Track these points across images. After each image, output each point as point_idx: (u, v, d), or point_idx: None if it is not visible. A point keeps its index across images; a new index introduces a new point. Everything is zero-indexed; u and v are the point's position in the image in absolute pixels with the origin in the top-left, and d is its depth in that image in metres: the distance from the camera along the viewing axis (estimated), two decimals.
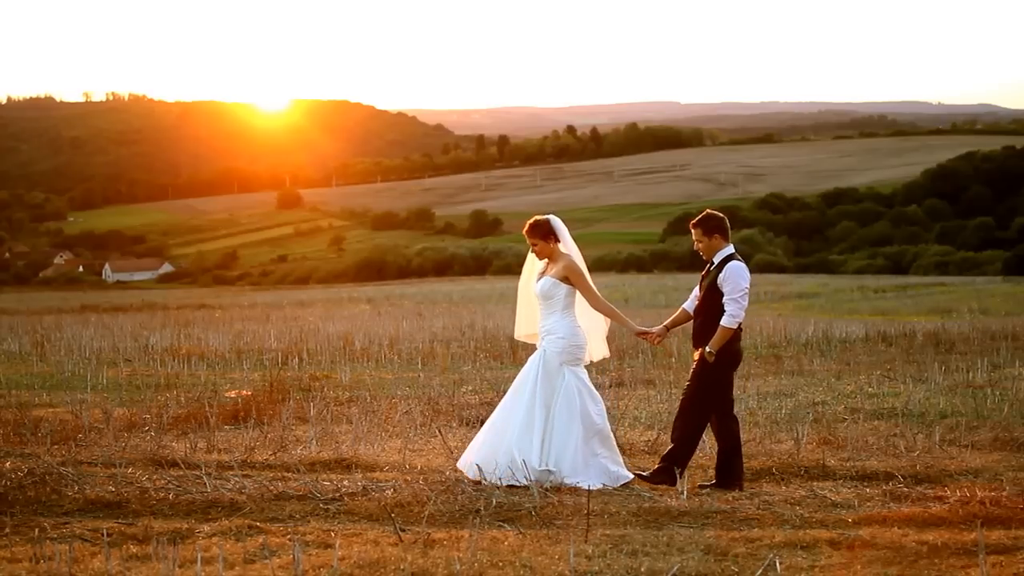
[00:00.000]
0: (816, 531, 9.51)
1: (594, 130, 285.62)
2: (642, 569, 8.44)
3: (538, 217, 12.07)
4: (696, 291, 11.93)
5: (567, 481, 11.33)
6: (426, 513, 10.01)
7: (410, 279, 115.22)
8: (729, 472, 11.47)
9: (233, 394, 18.50)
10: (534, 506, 10.34)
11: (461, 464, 11.86)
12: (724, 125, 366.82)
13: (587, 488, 11.13)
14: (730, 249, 11.62)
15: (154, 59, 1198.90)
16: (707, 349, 11.39)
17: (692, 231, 11.81)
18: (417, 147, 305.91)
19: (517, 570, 8.47)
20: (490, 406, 16.81)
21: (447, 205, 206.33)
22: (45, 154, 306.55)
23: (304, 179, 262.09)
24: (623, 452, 13.16)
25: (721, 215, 11.74)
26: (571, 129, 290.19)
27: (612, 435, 11.85)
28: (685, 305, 12.08)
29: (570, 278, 11.74)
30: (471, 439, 13.73)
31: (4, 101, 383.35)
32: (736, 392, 18.60)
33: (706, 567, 8.52)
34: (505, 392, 12.02)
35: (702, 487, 11.44)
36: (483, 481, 11.40)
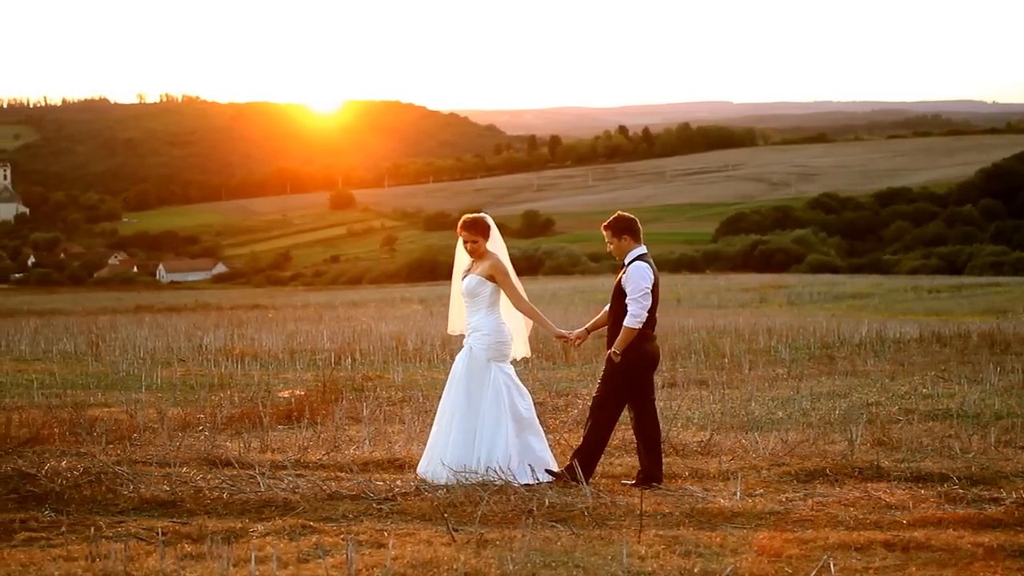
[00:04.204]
0: (870, 532, 9.46)
1: (646, 130, 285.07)
2: (695, 570, 8.42)
3: (476, 214, 12.10)
4: None
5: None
6: (479, 513, 10.01)
7: None
8: (648, 469, 11.56)
9: (286, 394, 18.58)
10: (587, 506, 10.33)
11: (420, 471, 11.96)
12: (777, 124, 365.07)
13: (515, 484, 11.27)
14: (641, 250, 11.62)
15: (207, 60, 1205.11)
16: (613, 351, 11.41)
17: (603, 233, 11.81)
18: (469, 147, 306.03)
19: (570, 570, 8.47)
20: (541, 407, 16.84)
21: (499, 205, 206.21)
22: (100, 156, 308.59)
23: (356, 180, 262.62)
24: (676, 453, 13.16)
25: (631, 217, 11.74)
26: (623, 129, 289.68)
27: (541, 428, 12.04)
28: (607, 307, 11.99)
29: (495, 276, 11.82)
30: None
31: (59, 103, 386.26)
32: (789, 392, 18.63)
33: (759, 568, 8.49)
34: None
35: (623, 484, 11.55)
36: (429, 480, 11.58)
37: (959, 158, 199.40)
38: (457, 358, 11.96)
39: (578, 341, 12.00)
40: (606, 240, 11.78)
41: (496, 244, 12.02)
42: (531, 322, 12.28)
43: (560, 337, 12.08)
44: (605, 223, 11.77)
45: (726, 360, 24.12)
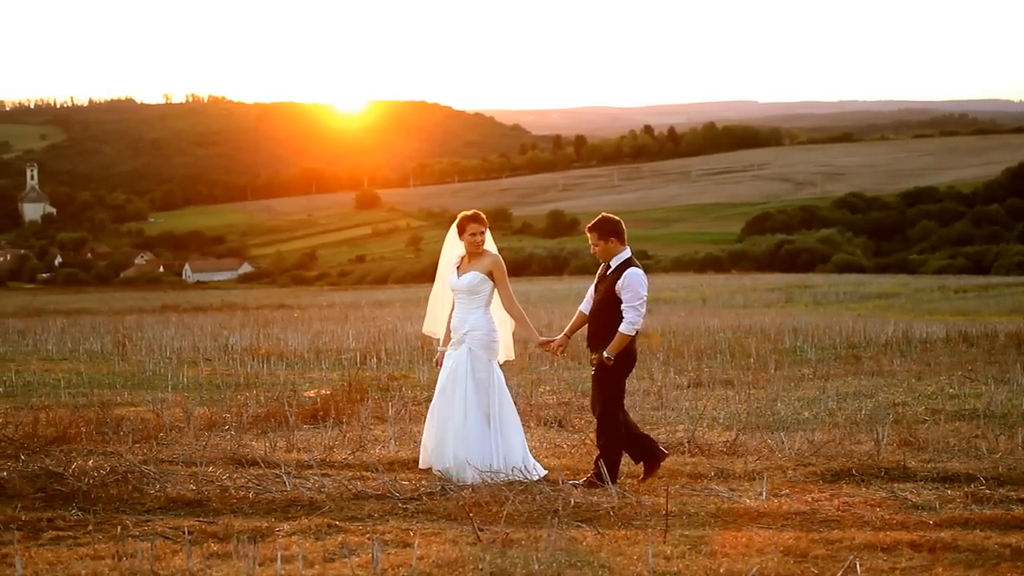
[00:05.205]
0: (897, 533, 9.43)
1: (671, 130, 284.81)
2: (721, 570, 8.41)
3: (478, 211, 12.12)
4: (591, 292, 11.93)
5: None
6: (504, 513, 10.01)
7: None
8: (645, 454, 11.70)
9: (312, 394, 18.60)
10: (612, 506, 10.32)
11: (424, 463, 12.10)
12: (802, 124, 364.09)
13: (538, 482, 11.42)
14: (627, 253, 11.66)
15: (233, 61, 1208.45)
16: (605, 354, 11.41)
17: (588, 235, 11.81)
18: (494, 147, 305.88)
19: (595, 570, 8.46)
20: (568, 406, 16.85)
21: (524, 205, 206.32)
22: (126, 156, 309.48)
23: (382, 180, 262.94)
24: (702, 453, 13.15)
25: (616, 219, 11.76)
26: (648, 129, 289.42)
27: None
28: (582, 308, 12.03)
29: (495, 274, 11.86)
30: (549, 439, 13.76)
31: (86, 104, 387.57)
32: (815, 392, 18.60)
33: (785, 568, 8.48)
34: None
35: (575, 484, 11.44)
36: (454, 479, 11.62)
37: (986, 157, 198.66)
38: (456, 357, 11.90)
39: (561, 348, 12.00)
40: (591, 242, 11.78)
41: (490, 243, 12.05)
42: (513, 325, 12.31)
43: (543, 345, 12.08)
44: (590, 225, 11.78)
45: (752, 360, 24.08)
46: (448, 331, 12.14)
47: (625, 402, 11.79)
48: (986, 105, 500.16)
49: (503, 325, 12.14)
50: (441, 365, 12.11)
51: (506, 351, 12.29)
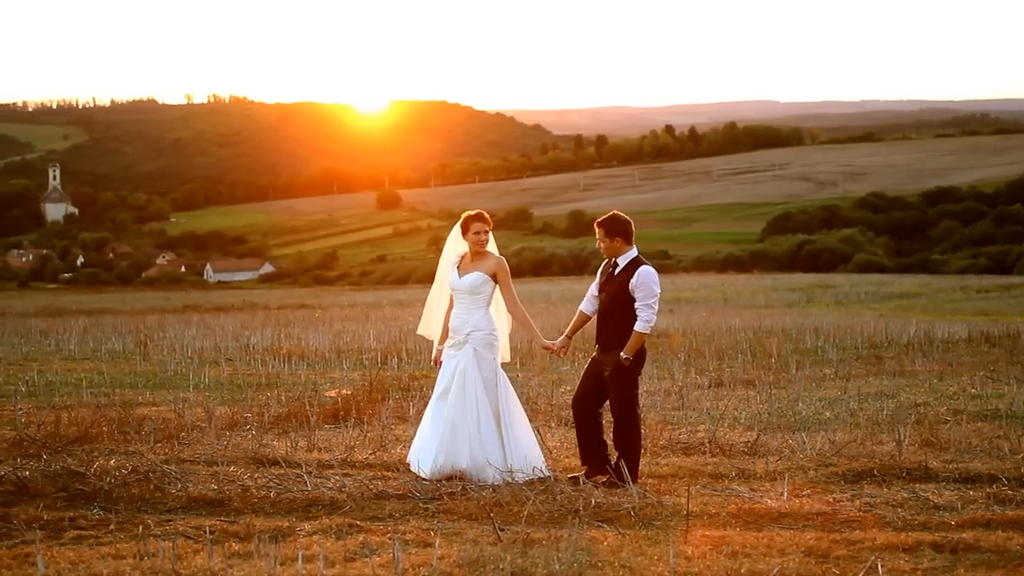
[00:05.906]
0: (918, 534, 9.41)
1: (692, 129, 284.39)
2: (742, 571, 8.40)
3: (481, 210, 12.14)
4: (593, 291, 11.99)
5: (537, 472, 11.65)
6: (525, 513, 10.02)
7: None
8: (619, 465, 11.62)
9: (333, 393, 18.61)
10: (633, 506, 10.32)
11: (411, 460, 12.14)
12: (824, 124, 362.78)
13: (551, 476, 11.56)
14: (635, 252, 11.69)
15: (254, 61, 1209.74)
16: (623, 355, 11.42)
17: (596, 230, 11.84)
18: (515, 147, 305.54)
19: (616, 570, 8.46)
20: None
21: (545, 205, 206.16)
22: (148, 156, 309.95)
23: (403, 180, 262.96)
24: (723, 453, 13.13)
25: (626, 219, 11.78)
26: (669, 128, 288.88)
27: None
28: (582, 307, 12.07)
29: (499, 276, 11.88)
30: (570, 439, 13.76)
31: (108, 104, 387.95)
32: (837, 392, 18.57)
33: (807, 569, 8.47)
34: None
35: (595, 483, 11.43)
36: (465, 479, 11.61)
37: (1008, 157, 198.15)
38: (463, 359, 11.90)
39: (564, 351, 12.02)
40: (597, 238, 11.81)
41: (492, 244, 12.06)
42: (509, 327, 12.32)
43: (546, 348, 12.12)
44: (599, 220, 11.83)
45: (773, 360, 24.04)
46: (445, 330, 12.15)
47: (645, 402, 11.78)
48: (1008, 104, 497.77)
49: (502, 324, 12.14)
50: (439, 364, 12.14)
51: (503, 352, 12.28)
